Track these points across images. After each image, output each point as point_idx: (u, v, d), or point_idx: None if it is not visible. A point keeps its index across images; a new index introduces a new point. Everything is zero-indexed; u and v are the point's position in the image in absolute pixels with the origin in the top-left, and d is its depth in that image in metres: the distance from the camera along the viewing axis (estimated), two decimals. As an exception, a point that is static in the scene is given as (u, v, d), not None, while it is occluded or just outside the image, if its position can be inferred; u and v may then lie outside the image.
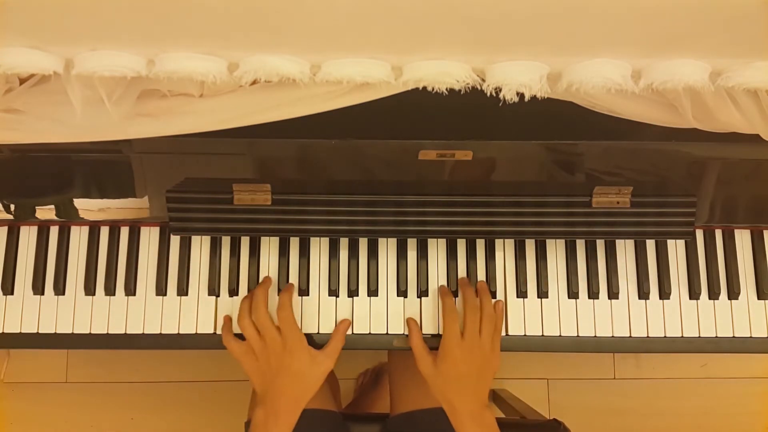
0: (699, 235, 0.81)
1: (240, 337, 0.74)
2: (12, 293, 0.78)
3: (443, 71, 0.54)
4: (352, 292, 0.79)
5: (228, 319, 0.77)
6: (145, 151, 0.70)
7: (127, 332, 0.77)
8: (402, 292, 0.79)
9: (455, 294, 0.78)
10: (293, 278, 0.79)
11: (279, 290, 0.78)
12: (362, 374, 1.43)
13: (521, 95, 0.55)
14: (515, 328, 0.78)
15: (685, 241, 0.81)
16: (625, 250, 0.80)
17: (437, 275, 0.80)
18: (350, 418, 0.89)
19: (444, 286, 0.79)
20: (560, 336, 0.78)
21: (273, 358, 0.71)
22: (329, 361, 0.73)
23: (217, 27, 0.49)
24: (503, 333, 0.78)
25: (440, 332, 0.74)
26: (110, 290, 0.78)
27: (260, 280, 0.79)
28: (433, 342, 0.75)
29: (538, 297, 0.79)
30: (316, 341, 0.78)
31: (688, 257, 0.80)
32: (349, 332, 0.78)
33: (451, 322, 0.72)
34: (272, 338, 0.71)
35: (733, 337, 0.79)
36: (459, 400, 0.70)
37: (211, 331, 0.77)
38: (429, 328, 0.78)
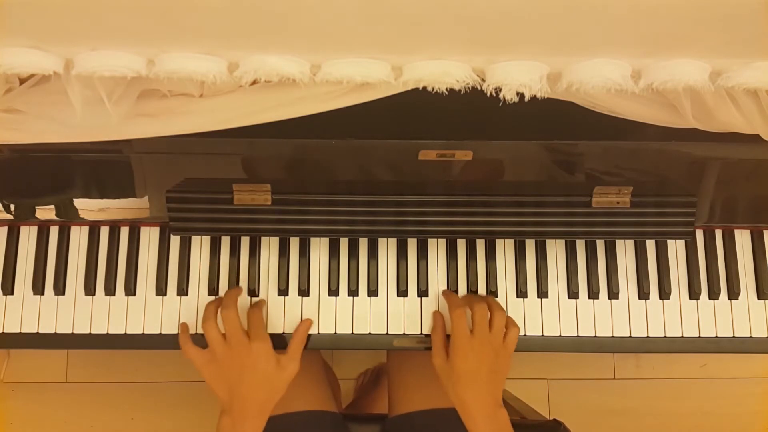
0: (699, 235, 0.81)
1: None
2: (12, 293, 0.78)
3: (443, 71, 0.54)
4: (352, 292, 0.79)
5: (185, 327, 0.76)
6: (145, 151, 0.70)
7: (127, 332, 0.77)
8: (402, 292, 0.79)
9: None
10: (293, 278, 0.79)
11: (279, 291, 0.78)
12: (362, 374, 1.43)
13: (521, 95, 0.55)
14: (515, 328, 0.78)
15: (685, 241, 0.81)
16: (625, 250, 0.80)
17: (437, 275, 0.80)
18: (350, 419, 0.89)
19: (446, 289, 0.79)
20: (560, 336, 0.78)
21: (237, 361, 0.69)
22: (294, 364, 0.71)
23: (217, 27, 0.49)
24: (503, 333, 0.78)
25: (448, 332, 0.74)
26: (110, 290, 0.78)
27: (260, 279, 0.79)
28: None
29: (538, 297, 0.79)
30: (315, 342, 0.78)
31: (688, 257, 0.80)
32: (349, 332, 0.78)
33: (459, 318, 0.71)
34: (239, 340, 0.70)
35: (733, 337, 0.79)
36: (471, 397, 0.68)
37: (211, 331, 0.77)
38: (429, 329, 0.78)
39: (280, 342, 0.77)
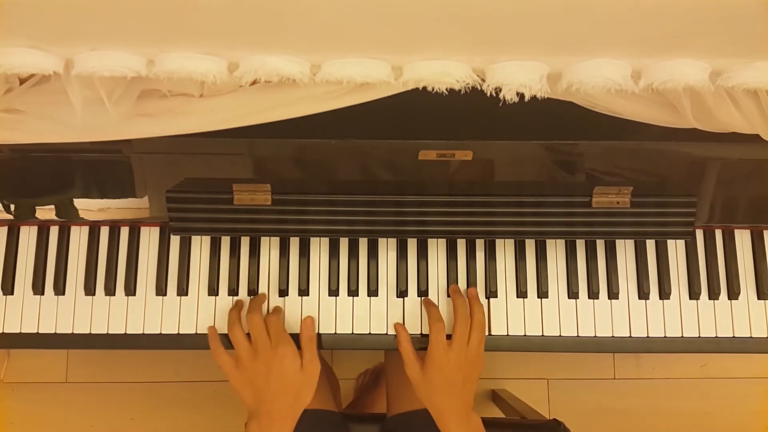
0: (699, 235, 0.81)
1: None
2: (12, 293, 0.78)
3: (443, 71, 0.54)
4: (352, 292, 0.79)
5: (214, 331, 0.76)
6: (145, 151, 0.70)
7: (127, 332, 0.77)
8: (402, 292, 0.79)
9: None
10: (293, 278, 0.79)
11: (279, 291, 0.78)
12: (362, 374, 1.43)
13: (521, 95, 0.55)
14: (515, 328, 0.78)
15: (685, 241, 0.81)
16: (625, 250, 0.80)
17: (437, 275, 0.80)
18: (350, 418, 0.89)
19: (427, 298, 0.79)
20: (560, 336, 0.78)
21: (263, 365, 0.70)
22: (314, 365, 0.72)
23: (217, 27, 0.49)
24: (504, 333, 0.78)
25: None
26: (110, 290, 0.78)
27: (260, 279, 0.79)
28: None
29: (538, 297, 0.79)
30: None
31: (688, 257, 0.80)
32: (349, 332, 0.78)
33: (438, 332, 0.72)
34: (264, 342, 0.71)
35: (733, 337, 0.79)
36: (446, 405, 0.71)
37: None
38: (426, 330, 0.78)
39: (280, 342, 0.77)
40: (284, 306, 0.78)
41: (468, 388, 0.72)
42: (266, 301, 0.78)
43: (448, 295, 0.79)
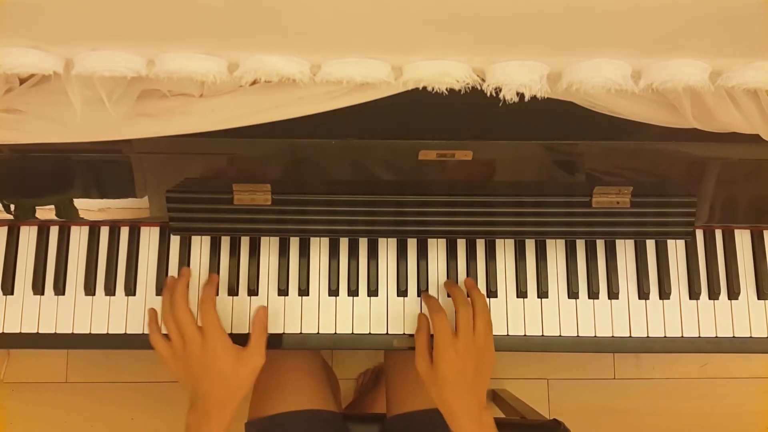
0: (699, 235, 0.81)
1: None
2: (12, 293, 0.78)
3: (443, 71, 0.54)
4: (352, 292, 0.79)
5: (154, 314, 0.74)
6: (145, 151, 0.70)
7: (127, 332, 0.77)
8: (402, 292, 0.79)
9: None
10: (293, 278, 0.79)
11: (279, 291, 0.78)
12: (362, 374, 1.43)
13: (521, 95, 0.55)
14: (515, 328, 0.78)
15: (685, 241, 0.81)
16: (625, 250, 0.80)
17: (437, 275, 0.80)
18: (350, 418, 0.89)
19: (425, 292, 0.78)
20: (560, 336, 0.78)
21: (193, 358, 0.68)
22: (256, 357, 0.69)
23: (217, 27, 0.49)
24: (504, 333, 0.78)
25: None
26: (110, 290, 0.78)
27: (259, 279, 0.79)
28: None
29: (538, 297, 0.79)
30: (315, 342, 0.78)
31: (688, 257, 0.80)
32: (349, 332, 0.78)
33: (440, 321, 0.69)
34: (191, 339, 0.68)
35: (733, 337, 0.79)
36: (456, 401, 0.68)
37: (211, 331, 0.77)
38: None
39: (279, 341, 0.77)
40: (284, 306, 0.78)
41: (480, 382, 0.69)
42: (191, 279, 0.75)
43: (448, 296, 0.79)
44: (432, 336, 0.71)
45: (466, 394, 0.68)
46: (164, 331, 0.71)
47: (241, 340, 0.71)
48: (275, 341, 0.77)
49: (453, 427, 0.68)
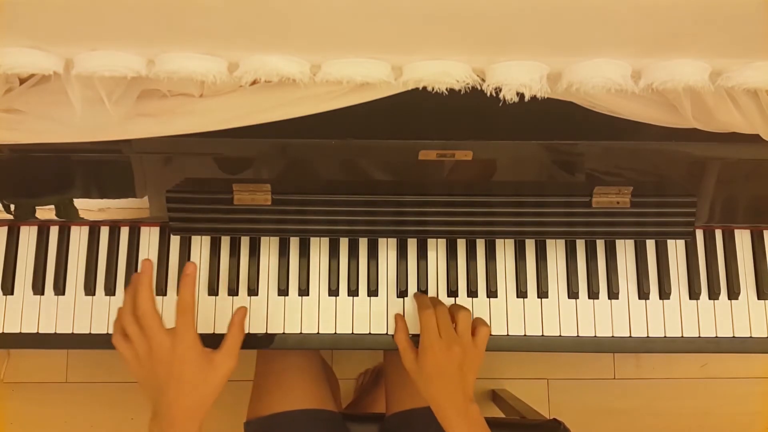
0: (699, 235, 0.81)
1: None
2: (12, 293, 0.78)
3: (443, 71, 0.54)
4: (352, 292, 0.79)
5: (122, 312, 0.66)
6: (145, 151, 0.70)
7: (127, 332, 0.77)
8: (402, 292, 0.79)
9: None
10: (293, 278, 0.79)
11: (279, 291, 0.78)
12: (362, 374, 1.43)
13: (521, 95, 0.55)
14: (515, 328, 0.78)
15: (685, 241, 0.81)
16: (625, 250, 0.80)
17: (437, 275, 0.80)
18: (349, 418, 0.89)
19: (416, 291, 0.79)
20: (560, 336, 0.78)
21: (160, 366, 0.61)
22: (230, 361, 0.64)
23: (217, 27, 0.49)
24: (504, 333, 0.78)
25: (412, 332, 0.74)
26: (110, 290, 0.78)
27: (259, 279, 0.79)
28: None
29: (538, 297, 0.79)
30: (315, 342, 0.78)
31: (688, 257, 0.80)
32: (349, 332, 0.78)
33: (428, 318, 0.70)
34: (158, 343, 0.61)
35: (733, 337, 0.79)
36: (442, 395, 0.69)
37: (210, 332, 0.77)
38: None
39: (279, 341, 0.77)
40: (284, 306, 0.78)
41: (464, 375, 0.70)
42: (154, 275, 0.68)
43: (448, 296, 0.79)
44: (412, 336, 0.73)
45: (451, 387, 0.69)
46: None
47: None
48: (275, 341, 0.77)
49: (441, 421, 0.69)
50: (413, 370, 0.71)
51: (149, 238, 0.79)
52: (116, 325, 0.65)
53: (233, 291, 0.78)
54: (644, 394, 1.46)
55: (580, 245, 0.80)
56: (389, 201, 0.74)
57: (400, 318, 0.77)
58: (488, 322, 0.76)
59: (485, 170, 0.73)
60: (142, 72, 0.53)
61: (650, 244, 0.81)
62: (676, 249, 0.81)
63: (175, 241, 0.79)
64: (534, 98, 0.56)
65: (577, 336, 0.78)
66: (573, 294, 0.79)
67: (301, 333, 0.78)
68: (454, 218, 0.75)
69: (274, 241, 0.79)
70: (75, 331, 0.77)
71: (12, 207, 0.76)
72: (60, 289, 0.78)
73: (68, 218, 0.77)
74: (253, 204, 0.73)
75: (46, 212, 0.76)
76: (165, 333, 0.62)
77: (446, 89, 0.55)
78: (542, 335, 0.78)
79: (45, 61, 0.52)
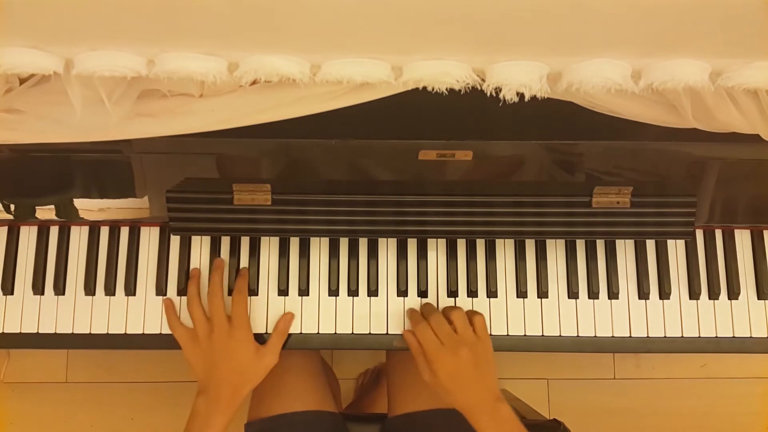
0: (699, 235, 0.81)
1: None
2: (12, 293, 0.78)
3: (443, 71, 0.54)
4: (352, 292, 0.79)
5: (170, 303, 0.77)
6: (145, 151, 0.70)
7: (127, 332, 0.77)
8: (402, 292, 0.79)
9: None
10: (293, 278, 0.79)
11: (279, 291, 0.78)
12: (362, 374, 1.43)
13: (521, 95, 0.55)
14: (515, 328, 0.78)
15: (685, 241, 0.81)
16: (625, 250, 0.80)
17: (437, 275, 0.80)
18: (350, 419, 0.89)
19: (409, 308, 0.78)
20: (560, 336, 0.78)
21: (217, 343, 0.71)
22: (272, 356, 0.73)
23: (217, 27, 0.49)
24: (504, 333, 0.78)
25: None
26: (110, 290, 0.78)
27: (259, 279, 0.79)
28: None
29: (538, 297, 0.79)
30: (315, 342, 0.78)
31: (688, 257, 0.80)
32: (349, 332, 0.78)
33: (423, 331, 0.70)
34: (220, 323, 0.72)
35: (733, 337, 0.79)
36: (466, 399, 0.68)
37: (211, 331, 0.77)
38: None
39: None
40: (284, 306, 0.78)
41: (485, 375, 0.69)
42: (225, 273, 0.78)
43: (448, 296, 0.79)
44: None
45: (475, 389, 0.68)
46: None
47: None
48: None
49: (473, 423, 0.68)
50: (433, 383, 0.70)
51: (149, 238, 0.79)
52: (169, 311, 0.76)
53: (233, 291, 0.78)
54: (644, 394, 1.46)
55: (580, 245, 0.80)
56: (389, 201, 0.74)
57: (409, 334, 0.73)
58: (488, 323, 0.76)
59: (485, 170, 0.73)
60: (142, 72, 0.53)
61: (650, 244, 0.81)
62: (676, 249, 0.81)
63: (175, 241, 0.79)
64: (534, 98, 0.56)
65: (577, 336, 0.78)
66: (573, 294, 0.79)
67: (301, 333, 0.78)
68: (454, 218, 0.75)
69: (274, 241, 0.79)
70: (75, 331, 0.77)
71: (12, 207, 0.76)
72: (60, 289, 0.78)
73: (68, 218, 0.77)
74: (253, 204, 0.73)
75: (46, 212, 0.76)
76: (226, 318, 0.73)
77: (446, 89, 0.55)
78: (542, 335, 0.78)
79: (45, 61, 0.52)
